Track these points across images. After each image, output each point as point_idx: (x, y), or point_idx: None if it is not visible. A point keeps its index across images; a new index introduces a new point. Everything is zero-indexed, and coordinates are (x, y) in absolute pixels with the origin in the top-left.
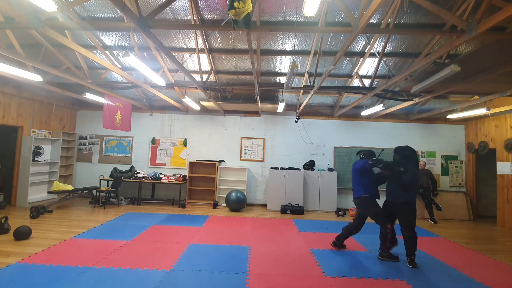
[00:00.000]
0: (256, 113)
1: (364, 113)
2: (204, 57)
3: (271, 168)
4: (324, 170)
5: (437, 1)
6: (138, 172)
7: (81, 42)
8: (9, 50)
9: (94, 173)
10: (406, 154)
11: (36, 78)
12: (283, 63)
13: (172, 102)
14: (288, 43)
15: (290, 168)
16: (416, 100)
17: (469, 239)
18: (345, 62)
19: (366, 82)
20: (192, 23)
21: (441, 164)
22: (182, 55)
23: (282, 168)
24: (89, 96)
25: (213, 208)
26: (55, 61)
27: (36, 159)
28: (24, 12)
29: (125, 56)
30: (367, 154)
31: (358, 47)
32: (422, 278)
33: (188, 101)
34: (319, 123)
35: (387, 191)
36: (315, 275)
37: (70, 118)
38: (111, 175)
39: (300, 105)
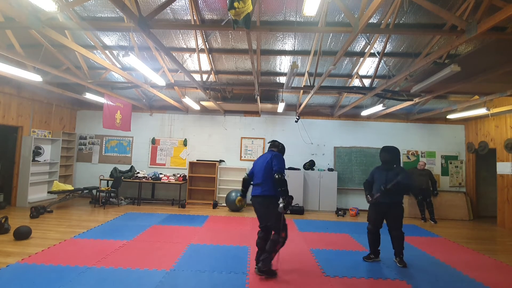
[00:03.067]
0: (256, 113)
1: (364, 113)
2: (204, 57)
3: None
4: (324, 170)
5: (437, 1)
6: (138, 172)
7: (81, 42)
8: (9, 50)
9: (94, 173)
10: (396, 154)
11: (36, 78)
12: (283, 63)
13: (172, 102)
14: (288, 43)
15: (290, 168)
16: (416, 100)
17: (469, 239)
18: (345, 62)
19: (366, 82)
20: (192, 23)
21: (441, 164)
22: (182, 55)
23: None
24: (89, 96)
25: (213, 208)
26: (55, 61)
27: (36, 159)
28: (24, 12)
29: (125, 56)
30: (281, 146)
31: (358, 47)
32: (422, 278)
33: (188, 101)
34: (319, 123)
35: (376, 192)
36: (315, 275)
37: (70, 118)
38: (111, 175)
39: (300, 105)
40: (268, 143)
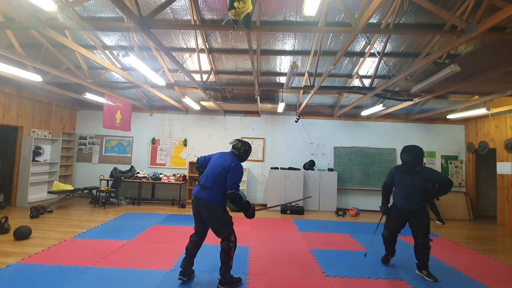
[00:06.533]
0: (256, 113)
1: (364, 113)
2: (204, 57)
3: (271, 168)
4: (324, 170)
5: (437, 1)
6: (138, 172)
7: (81, 42)
8: (9, 50)
9: (94, 173)
10: (419, 155)
11: (36, 78)
12: (283, 63)
13: (172, 102)
14: (288, 43)
15: (290, 168)
16: (416, 100)
17: (469, 239)
18: (345, 62)
19: (366, 82)
20: (192, 23)
21: (441, 164)
22: (182, 55)
23: (282, 168)
24: (89, 96)
25: None
26: (55, 61)
27: (36, 159)
28: (24, 12)
29: (125, 56)
30: (243, 150)
31: (358, 47)
32: (422, 278)
33: (188, 101)
34: (319, 123)
35: (400, 197)
36: (315, 275)
37: (70, 118)
38: (111, 175)
39: (300, 105)
40: (230, 143)
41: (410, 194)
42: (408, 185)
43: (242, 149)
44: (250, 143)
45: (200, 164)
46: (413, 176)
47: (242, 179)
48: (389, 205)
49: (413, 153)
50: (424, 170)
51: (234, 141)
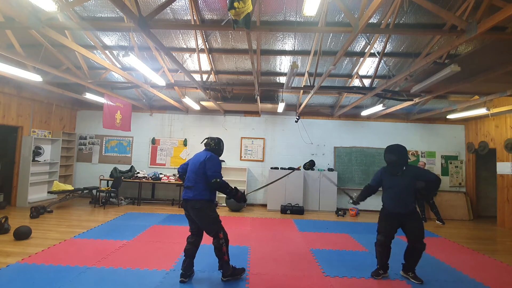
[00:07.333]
0: (256, 113)
1: (364, 113)
2: (204, 57)
3: (271, 168)
4: (324, 170)
5: (437, 1)
6: (138, 172)
7: (81, 42)
8: (9, 50)
9: (94, 173)
10: (403, 154)
11: (36, 78)
12: (283, 63)
13: (172, 102)
14: (288, 43)
15: (290, 168)
16: (416, 100)
17: (469, 239)
18: (345, 62)
19: (366, 82)
20: (192, 23)
21: (441, 164)
22: (182, 55)
23: (282, 168)
24: (89, 96)
25: None
26: (55, 61)
27: (36, 159)
28: (24, 12)
29: (125, 56)
30: (214, 144)
31: (358, 47)
32: (422, 278)
33: (188, 101)
34: (319, 123)
35: (390, 199)
36: (315, 275)
37: (70, 118)
38: (111, 175)
39: (300, 105)
40: (201, 143)
41: (401, 196)
42: (399, 187)
43: (212, 144)
44: (250, 143)
45: (182, 172)
46: (402, 177)
47: (242, 179)
48: (381, 208)
49: (398, 153)
50: (413, 170)
51: (204, 140)
